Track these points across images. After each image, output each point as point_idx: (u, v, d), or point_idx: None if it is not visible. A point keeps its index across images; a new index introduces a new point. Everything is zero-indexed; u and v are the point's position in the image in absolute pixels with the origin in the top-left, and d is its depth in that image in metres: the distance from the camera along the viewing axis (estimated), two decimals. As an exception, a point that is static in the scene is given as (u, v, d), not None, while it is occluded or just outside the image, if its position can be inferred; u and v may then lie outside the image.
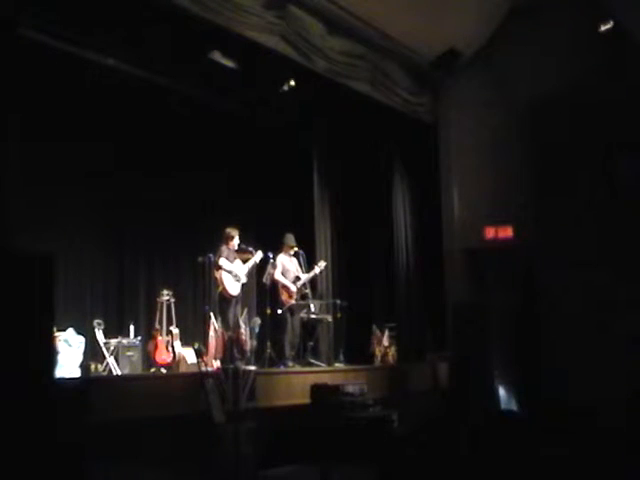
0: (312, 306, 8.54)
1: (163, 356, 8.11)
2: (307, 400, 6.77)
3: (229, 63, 7.62)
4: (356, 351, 9.36)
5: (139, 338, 8.20)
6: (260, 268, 8.57)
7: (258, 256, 8.19)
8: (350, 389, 6.85)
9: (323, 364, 8.48)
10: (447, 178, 9.03)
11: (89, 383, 6.01)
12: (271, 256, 8.44)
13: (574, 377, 7.26)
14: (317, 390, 6.79)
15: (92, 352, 7.74)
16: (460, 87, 8.93)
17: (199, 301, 9.04)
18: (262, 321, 8.52)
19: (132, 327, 8.31)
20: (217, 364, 7.47)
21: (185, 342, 8.41)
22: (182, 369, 8.03)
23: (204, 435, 5.77)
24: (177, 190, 9.23)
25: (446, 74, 8.90)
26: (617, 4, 7.64)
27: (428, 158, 9.31)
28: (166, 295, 8.43)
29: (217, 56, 7.48)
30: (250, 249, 8.23)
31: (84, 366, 7.52)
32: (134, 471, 5.08)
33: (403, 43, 8.38)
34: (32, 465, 3.95)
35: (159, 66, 7.86)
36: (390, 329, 9.44)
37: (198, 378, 6.15)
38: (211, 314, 7.89)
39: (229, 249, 8.04)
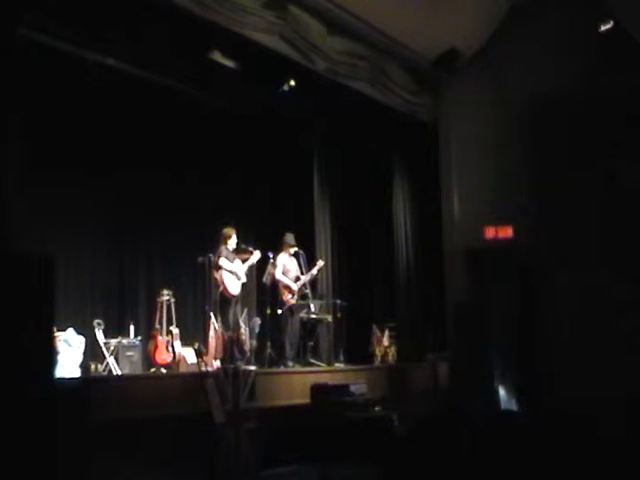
0: (312, 306, 8.54)
1: (163, 356, 8.11)
2: (307, 400, 6.77)
3: (229, 63, 7.62)
4: (356, 351, 9.36)
5: (139, 338, 8.21)
6: (260, 268, 8.58)
7: (256, 256, 8.20)
8: (350, 389, 6.84)
9: (323, 364, 8.48)
10: (447, 178, 9.02)
11: (89, 383, 6.02)
12: (271, 256, 8.45)
13: (574, 377, 7.25)
14: (317, 390, 6.79)
15: (92, 352, 7.75)
16: (460, 87, 8.92)
17: (199, 301, 9.05)
18: (262, 321, 8.52)
19: (132, 327, 8.31)
20: (217, 364, 7.47)
21: (185, 342, 8.42)
22: (182, 369, 8.04)
23: (204, 435, 5.77)
24: (177, 190, 9.24)
25: (446, 74, 8.90)
26: (617, 4, 7.63)
27: (428, 158, 9.30)
28: (166, 295, 8.44)
29: (217, 56, 7.48)
30: (250, 249, 8.24)
31: (84, 366, 7.52)
32: (134, 471, 5.08)
33: (403, 43, 8.37)
34: (32, 465, 3.95)
35: (159, 66, 7.86)
36: (390, 329, 9.44)
37: (198, 378, 6.15)
38: (211, 314, 7.89)
39: (228, 249, 8.05)
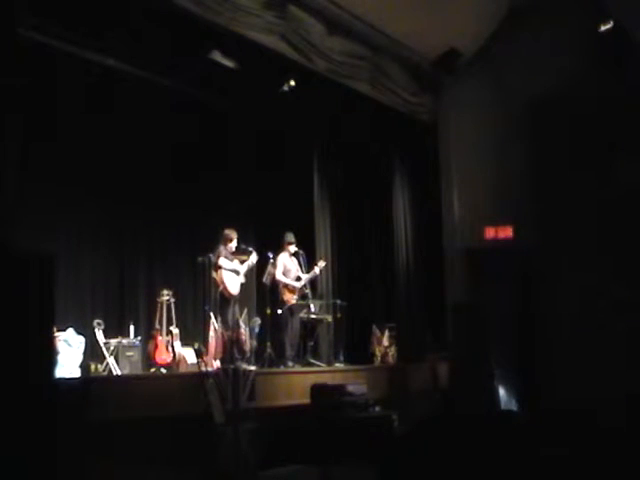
0: (312, 306, 8.55)
1: (163, 356, 8.11)
2: (307, 400, 6.77)
3: (229, 63, 7.62)
4: (356, 351, 9.36)
5: (139, 338, 8.21)
6: (260, 268, 8.58)
7: (254, 257, 8.21)
8: (350, 389, 6.84)
9: (323, 364, 8.48)
10: (447, 178, 9.02)
11: (89, 383, 6.02)
12: (271, 256, 8.45)
13: (574, 377, 7.25)
14: (317, 390, 6.79)
15: (92, 352, 7.75)
16: (460, 87, 8.92)
17: (199, 301, 9.06)
18: (262, 321, 8.52)
19: (132, 327, 8.32)
20: (217, 364, 7.47)
21: (185, 342, 8.42)
22: (182, 369, 8.03)
23: (204, 435, 5.77)
24: (177, 190, 9.24)
25: (446, 74, 8.90)
26: (617, 4, 7.64)
27: (428, 158, 9.30)
28: (166, 295, 8.44)
29: (217, 56, 7.48)
30: (249, 249, 8.25)
31: (84, 366, 7.52)
32: (134, 471, 5.08)
33: (403, 43, 8.37)
34: (32, 465, 3.95)
35: (159, 66, 7.86)
36: (390, 329, 9.43)
37: (198, 378, 6.15)
38: (211, 314, 7.90)
39: (227, 250, 8.05)
